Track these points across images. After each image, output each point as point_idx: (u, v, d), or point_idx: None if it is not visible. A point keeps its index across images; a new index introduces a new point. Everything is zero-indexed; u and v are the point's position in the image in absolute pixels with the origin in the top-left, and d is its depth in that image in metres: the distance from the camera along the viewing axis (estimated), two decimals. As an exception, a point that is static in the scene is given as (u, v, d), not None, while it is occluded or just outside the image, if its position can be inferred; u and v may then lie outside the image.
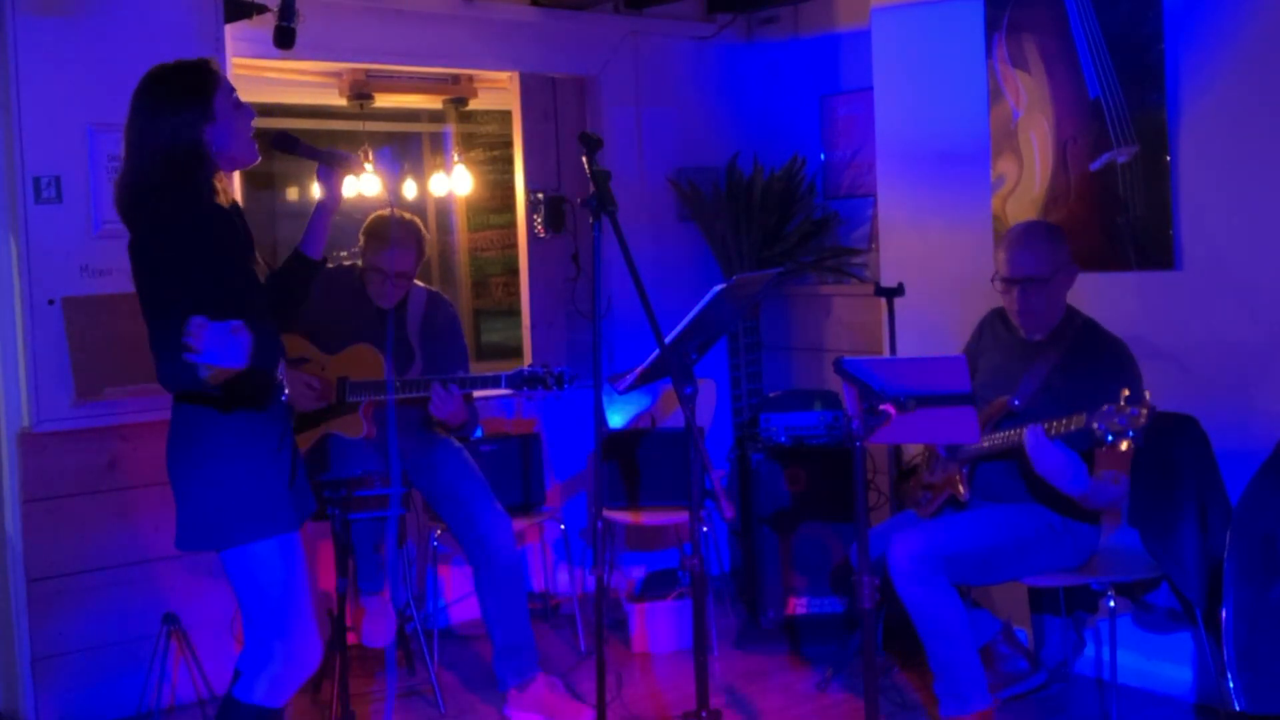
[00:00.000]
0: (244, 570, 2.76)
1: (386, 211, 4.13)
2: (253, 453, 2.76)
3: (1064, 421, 3.24)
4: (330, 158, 3.00)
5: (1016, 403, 3.56)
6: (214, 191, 2.77)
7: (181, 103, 2.71)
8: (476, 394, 4.24)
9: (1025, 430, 3.32)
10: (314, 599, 2.92)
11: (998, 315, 3.82)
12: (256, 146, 2.86)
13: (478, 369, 5.54)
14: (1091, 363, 3.51)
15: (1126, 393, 3.08)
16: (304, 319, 3.70)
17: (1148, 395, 3.09)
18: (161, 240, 2.66)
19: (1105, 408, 3.08)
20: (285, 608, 2.78)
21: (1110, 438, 3.06)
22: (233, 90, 2.80)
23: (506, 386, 3.98)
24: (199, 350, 2.39)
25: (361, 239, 4.21)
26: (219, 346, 2.40)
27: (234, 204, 2.89)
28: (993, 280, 3.66)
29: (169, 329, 2.50)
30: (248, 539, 2.74)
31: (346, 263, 4.31)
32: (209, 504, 2.75)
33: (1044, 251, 3.57)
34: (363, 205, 5.98)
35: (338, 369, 4.03)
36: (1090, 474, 3.38)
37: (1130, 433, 3.03)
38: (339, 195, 3.05)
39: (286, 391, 2.89)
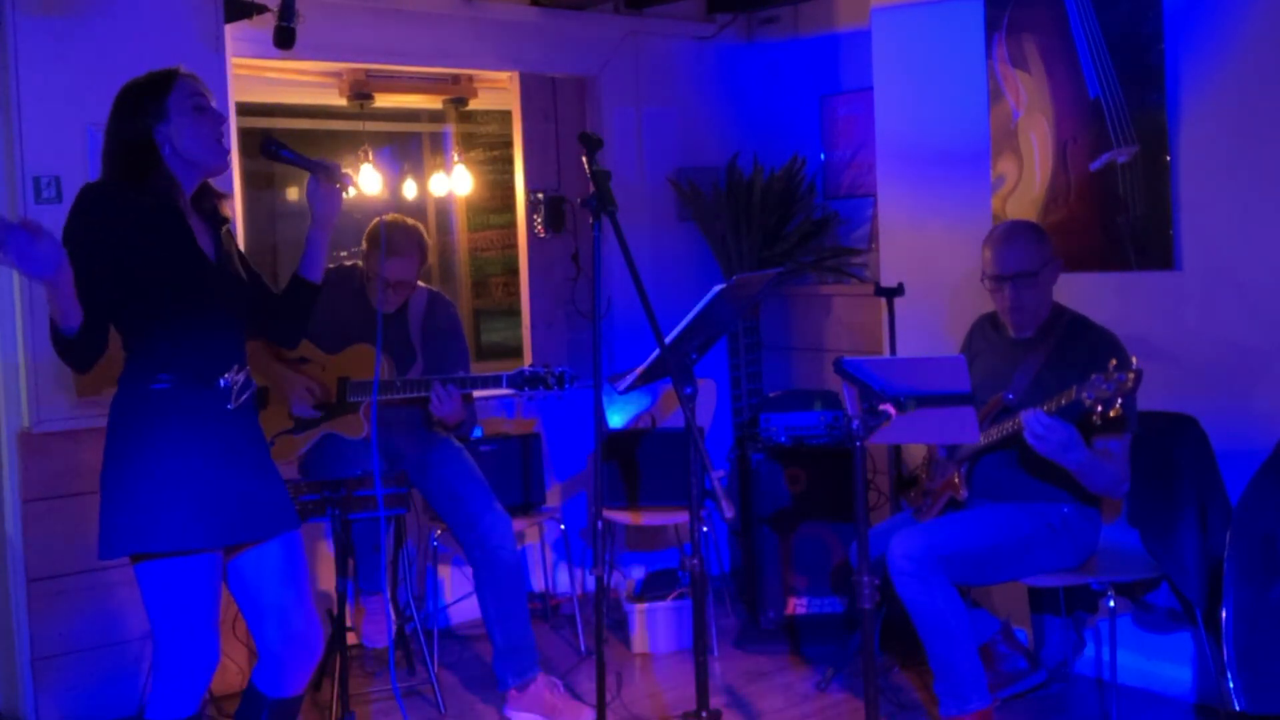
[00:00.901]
0: (145, 581, 2.71)
1: (390, 217, 4.12)
2: (186, 454, 2.69)
3: (1056, 399, 3.28)
4: (317, 168, 2.93)
5: (1010, 397, 3.58)
6: (169, 194, 2.73)
7: (136, 102, 2.73)
8: (477, 394, 4.24)
9: (1022, 413, 3.34)
10: (284, 608, 2.89)
11: (987, 320, 3.86)
12: (223, 152, 2.81)
13: (478, 369, 5.54)
14: (1081, 354, 3.53)
15: (1114, 362, 3.13)
16: None
17: (1134, 361, 3.15)
18: (73, 225, 2.65)
19: (1093, 377, 3.14)
20: (184, 623, 2.71)
21: (1100, 406, 3.12)
22: (196, 94, 2.76)
23: (508, 387, 3.98)
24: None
25: (364, 244, 4.21)
26: (19, 248, 2.36)
27: (218, 219, 2.84)
28: (982, 280, 3.68)
29: None
30: (150, 550, 2.67)
31: (348, 263, 4.31)
32: (120, 509, 2.69)
33: (1030, 247, 3.61)
34: (361, 204, 5.98)
35: (338, 369, 4.03)
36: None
37: (1119, 399, 3.10)
38: (333, 211, 2.97)
39: (233, 403, 2.78)
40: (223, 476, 2.74)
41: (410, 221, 4.19)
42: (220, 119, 2.81)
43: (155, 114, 2.72)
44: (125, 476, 2.70)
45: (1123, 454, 3.46)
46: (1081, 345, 3.56)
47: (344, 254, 6.15)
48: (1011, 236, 3.64)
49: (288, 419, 3.98)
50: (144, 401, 2.70)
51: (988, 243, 3.68)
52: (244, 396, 2.81)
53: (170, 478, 2.68)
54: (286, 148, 2.92)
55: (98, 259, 2.62)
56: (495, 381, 3.98)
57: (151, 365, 2.71)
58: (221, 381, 2.76)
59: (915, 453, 4.44)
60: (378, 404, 4.04)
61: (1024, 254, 3.59)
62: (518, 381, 3.97)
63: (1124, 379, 3.08)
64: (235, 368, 2.80)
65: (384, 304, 4.13)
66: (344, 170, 2.96)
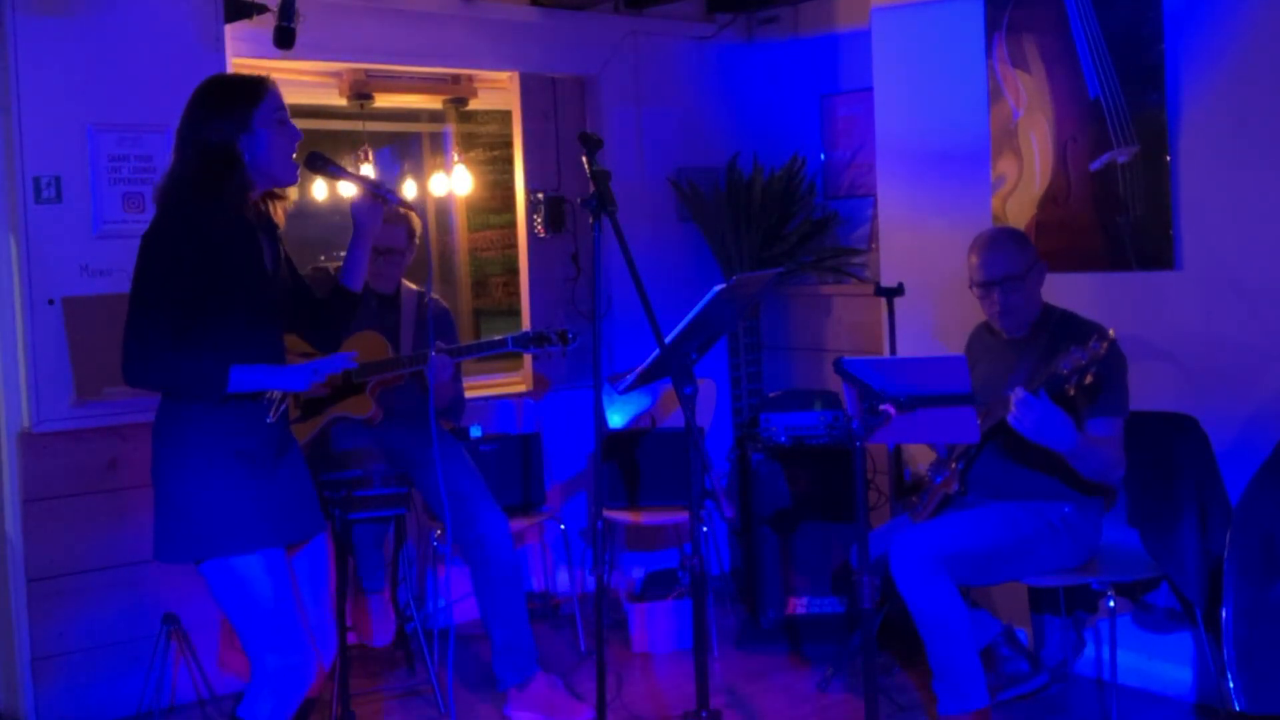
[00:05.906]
0: (225, 585, 2.74)
1: None
2: (238, 463, 2.74)
3: (1036, 379, 3.32)
4: (361, 182, 3.00)
5: (1009, 394, 3.59)
6: (241, 202, 2.78)
7: (222, 108, 2.77)
8: (483, 392, 4.26)
9: (1010, 395, 3.36)
10: (304, 610, 2.90)
11: (983, 327, 3.90)
12: (296, 169, 2.87)
13: (477, 369, 5.54)
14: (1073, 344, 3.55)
15: (1095, 335, 3.23)
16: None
17: (1111, 332, 3.23)
18: (165, 234, 2.69)
19: (1071, 348, 3.22)
20: (272, 623, 2.75)
21: (1076, 375, 3.19)
22: (280, 109, 2.82)
23: (513, 347, 4.07)
24: None
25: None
26: None
27: (272, 224, 2.90)
28: (970, 287, 3.69)
29: (143, 321, 2.63)
30: (226, 552, 2.71)
31: (335, 266, 4.34)
32: (189, 513, 2.72)
33: (1014, 251, 3.65)
34: (342, 206, 5.96)
35: None
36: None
37: (1093, 366, 3.19)
38: (375, 223, 3.06)
39: (272, 417, 2.83)
40: (269, 481, 2.79)
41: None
42: (297, 135, 2.86)
43: (242, 124, 2.76)
44: (178, 487, 2.74)
45: (1115, 437, 3.49)
46: (1073, 337, 3.58)
47: (338, 256, 6.13)
48: (995, 242, 3.68)
49: (294, 407, 3.99)
50: (189, 414, 2.73)
51: (973, 250, 3.70)
52: (281, 408, 2.86)
53: (223, 487, 2.72)
54: (333, 162, 3.01)
55: (186, 277, 2.67)
56: (501, 344, 4.06)
57: None
58: (265, 398, 2.81)
59: (918, 460, 4.44)
60: (384, 385, 4.08)
61: (1009, 258, 3.62)
62: (523, 341, 4.05)
63: (1097, 347, 3.16)
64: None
65: (378, 279, 4.21)
66: (388, 187, 3.03)
